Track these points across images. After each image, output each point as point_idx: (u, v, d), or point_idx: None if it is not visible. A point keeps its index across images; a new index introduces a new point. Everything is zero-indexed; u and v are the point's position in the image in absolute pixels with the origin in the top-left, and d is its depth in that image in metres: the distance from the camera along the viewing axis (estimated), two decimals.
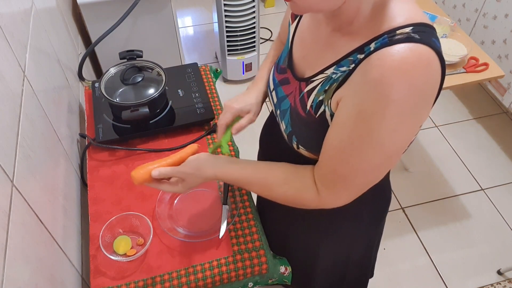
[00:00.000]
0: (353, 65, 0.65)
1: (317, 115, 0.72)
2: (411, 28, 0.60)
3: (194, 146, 0.86)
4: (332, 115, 0.70)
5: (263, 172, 0.81)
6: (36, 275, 0.72)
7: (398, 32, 0.60)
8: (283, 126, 0.82)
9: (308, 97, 0.74)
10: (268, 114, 1.02)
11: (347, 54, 0.66)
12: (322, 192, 0.74)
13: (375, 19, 0.63)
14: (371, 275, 1.23)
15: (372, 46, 0.62)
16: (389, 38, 0.60)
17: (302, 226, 1.00)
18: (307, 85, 0.75)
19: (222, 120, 0.92)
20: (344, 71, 0.66)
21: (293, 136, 0.79)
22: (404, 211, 2.05)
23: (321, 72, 0.72)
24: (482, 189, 2.15)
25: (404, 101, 0.59)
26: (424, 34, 0.59)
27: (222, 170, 0.83)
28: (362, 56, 0.63)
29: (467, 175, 2.21)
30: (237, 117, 0.94)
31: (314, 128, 0.74)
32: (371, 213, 0.95)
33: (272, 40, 2.99)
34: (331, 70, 0.69)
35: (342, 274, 1.11)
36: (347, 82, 0.65)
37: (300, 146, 0.79)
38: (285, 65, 0.83)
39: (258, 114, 0.95)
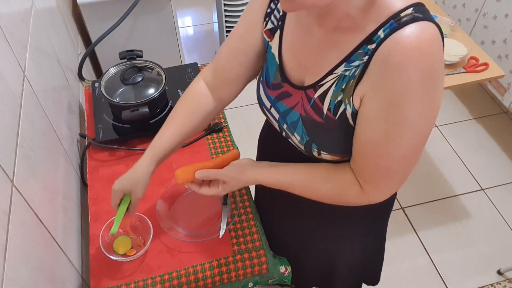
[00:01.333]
0: (366, 57, 0.64)
1: (337, 117, 0.71)
2: (412, 8, 0.61)
3: (236, 152, 0.89)
4: (353, 113, 0.69)
5: (304, 172, 0.81)
6: (36, 275, 0.72)
7: (402, 14, 0.61)
8: (296, 138, 0.81)
9: (322, 101, 0.73)
10: (263, 120, 1.00)
11: (355, 48, 0.66)
12: (366, 188, 0.74)
13: (372, 8, 0.63)
14: (377, 282, 1.23)
15: (381, 33, 0.62)
16: (396, 22, 0.61)
17: (296, 218, 1.00)
18: (316, 91, 0.73)
19: (112, 203, 0.89)
20: (358, 66, 0.66)
21: (313, 144, 0.78)
22: (404, 211, 2.05)
23: (330, 73, 0.70)
24: (482, 189, 2.15)
25: (428, 78, 0.61)
26: (424, 12, 0.61)
27: (263, 174, 0.84)
28: (373, 46, 0.63)
29: (467, 175, 2.21)
30: (126, 196, 0.89)
31: (335, 131, 0.73)
32: (374, 211, 0.95)
33: None
34: (341, 68, 0.68)
35: (361, 268, 1.11)
36: (365, 75, 0.65)
37: (322, 152, 0.77)
38: (277, 80, 0.81)
39: (145, 188, 0.88)
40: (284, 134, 0.85)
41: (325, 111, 0.73)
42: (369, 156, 0.70)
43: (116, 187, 0.87)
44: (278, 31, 0.79)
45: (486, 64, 1.67)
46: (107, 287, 0.92)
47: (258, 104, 0.89)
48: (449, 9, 2.54)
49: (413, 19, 0.60)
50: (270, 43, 0.81)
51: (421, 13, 0.61)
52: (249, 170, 0.84)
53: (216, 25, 2.44)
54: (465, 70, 1.66)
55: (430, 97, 0.63)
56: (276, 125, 0.86)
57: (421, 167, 2.23)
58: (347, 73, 0.68)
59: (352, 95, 0.68)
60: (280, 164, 0.85)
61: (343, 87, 0.69)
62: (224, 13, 2.27)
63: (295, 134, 0.80)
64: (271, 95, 0.83)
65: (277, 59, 0.80)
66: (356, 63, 0.66)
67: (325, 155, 0.78)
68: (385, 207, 1.01)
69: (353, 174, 0.75)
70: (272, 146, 0.97)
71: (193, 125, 0.89)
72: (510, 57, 2.15)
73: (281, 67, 0.80)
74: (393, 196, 0.98)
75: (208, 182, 0.87)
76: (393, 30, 0.60)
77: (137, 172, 0.86)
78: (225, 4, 2.23)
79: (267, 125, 1.01)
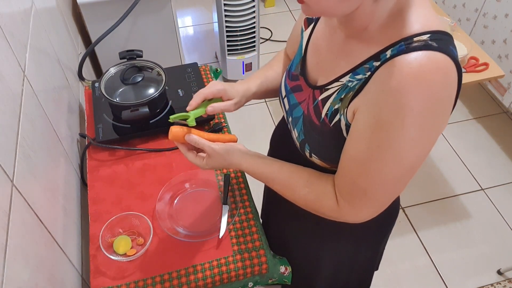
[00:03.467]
0: (369, 73, 0.63)
1: (332, 124, 0.71)
2: (428, 35, 0.59)
3: (234, 137, 0.89)
4: (347, 125, 0.68)
5: (288, 171, 0.81)
6: (36, 275, 0.72)
7: (415, 39, 0.59)
8: (295, 134, 0.81)
9: (323, 105, 0.72)
10: (268, 118, 1.01)
11: (363, 61, 0.65)
12: (342, 205, 0.72)
13: (391, 25, 0.62)
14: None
15: (389, 53, 0.61)
16: (406, 45, 0.59)
17: (305, 231, 0.99)
18: (321, 93, 0.73)
19: (201, 91, 0.87)
20: (360, 79, 0.65)
21: (306, 144, 0.78)
22: (404, 211, 2.05)
23: (336, 80, 0.70)
24: (482, 189, 2.15)
25: (422, 110, 0.58)
26: (441, 42, 0.58)
27: (249, 162, 0.83)
28: (378, 63, 0.62)
29: (467, 175, 2.21)
30: (218, 99, 0.89)
31: (328, 138, 0.73)
32: (377, 222, 0.95)
33: (272, 40, 2.99)
34: (346, 78, 0.68)
35: (344, 281, 1.11)
36: (363, 90, 0.64)
37: (313, 154, 0.78)
38: (297, 72, 0.82)
39: (239, 106, 0.91)
40: (289, 126, 0.86)
41: (323, 115, 0.73)
42: (348, 171, 0.69)
43: (221, 86, 0.88)
44: (313, 25, 0.80)
45: (486, 64, 1.67)
46: (107, 287, 0.92)
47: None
48: (449, 9, 2.54)
49: (425, 46, 0.57)
50: (303, 32, 0.82)
51: (437, 43, 0.58)
52: (237, 154, 0.84)
53: (216, 25, 2.44)
54: (465, 70, 1.66)
55: (423, 129, 0.60)
56: (285, 116, 0.87)
57: (421, 167, 2.22)
58: (350, 84, 0.67)
59: (347, 107, 0.67)
60: (269, 158, 0.85)
61: (342, 96, 0.68)
62: (224, 13, 2.27)
63: (295, 129, 0.81)
64: (288, 85, 0.84)
65: (302, 51, 0.81)
66: (360, 76, 0.65)
67: (315, 159, 0.78)
68: (381, 227, 0.99)
69: (334, 187, 0.74)
70: (283, 146, 0.96)
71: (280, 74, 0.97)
72: (510, 57, 2.15)
73: (303, 60, 0.81)
74: (397, 206, 0.97)
75: (197, 151, 0.86)
76: (400, 53, 0.58)
77: (243, 88, 0.91)
78: (225, 4, 2.23)
79: (281, 125, 1.00)
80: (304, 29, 0.83)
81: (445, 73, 0.58)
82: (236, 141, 0.89)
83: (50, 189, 0.91)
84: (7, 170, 0.69)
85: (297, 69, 0.82)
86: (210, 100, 0.89)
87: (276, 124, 1.05)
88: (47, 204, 0.87)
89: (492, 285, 1.80)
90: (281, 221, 1.06)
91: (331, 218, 0.77)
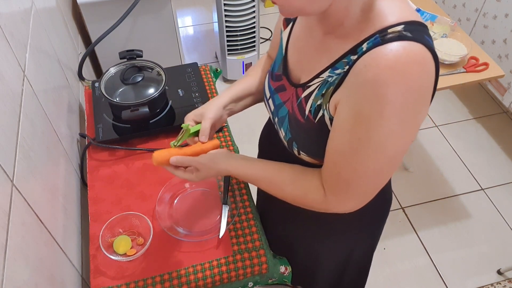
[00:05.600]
0: (347, 67, 0.64)
1: (316, 120, 0.72)
2: (402, 26, 0.59)
3: (216, 142, 0.89)
4: (331, 119, 0.69)
5: (272, 170, 0.82)
6: (36, 275, 0.72)
7: (389, 31, 0.60)
8: (282, 133, 0.82)
9: (306, 102, 0.73)
10: (266, 117, 1.02)
11: (341, 56, 0.66)
12: (328, 196, 0.74)
13: (366, 19, 0.63)
14: None
15: (365, 46, 0.62)
16: (381, 37, 0.60)
17: (304, 227, 1.00)
18: (304, 91, 0.74)
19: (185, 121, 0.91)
20: (339, 74, 0.66)
21: (293, 143, 0.79)
22: (404, 211, 2.05)
23: (317, 76, 0.71)
24: (482, 189, 2.15)
25: (401, 101, 0.58)
26: (416, 32, 0.59)
27: (234, 165, 0.85)
28: (355, 57, 0.63)
29: (467, 175, 2.21)
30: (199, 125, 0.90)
31: (314, 134, 0.74)
32: (372, 214, 0.95)
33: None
34: (326, 73, 0.69)
35: (342, 275, 1.11)
36: (343, 84, 0.65)
37: (301, 152, 0.78)
38: (280, 72, 0.83)
39: (216, 118, 0.90)
40: (275, 127, 0.86)
41: (306, 112, 0.73)
42: (333, 163, 0.70)
43: (188, 114, 0.92)
44: (291, 24, 0.81)
45: (486, 64, 1.67)
46: (107, 287, 0.92)
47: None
48: (449, 9, 2.54)
49: (399, 37, 0.58)
50: (283, 33, 0.83)
51: (411, 33, 0.58)
52: (222, 160, 0.85)
53: (216, 25, 2.44)
54: (465, 70, 1.66)
55: (402, 120, 0.60)
56: (271, 117, 0.88)
57: (421, 167, 2.23)
58: (329, 79, 0.68)
59: (329, 102, 0.68)
60: (253, 158, 0.87)
61: (323, 92, 0.69)
62: (224, 13, 2.27)
63: (282, 129, 0.82)
64: (272, 86, 0.85)
65: (283, 51, 0.82)
66: (339, 71, 0.66)
67: (304, 156, 0.79)
68: (376, 220, 1.00)
69: (320, 181, 0.75)
70: (271, 148, 0.97)
71: (260, 79, 0.98)
72: (510, 57, 2.15)
73: (285, 59, 0.81)
74: (389, 197, 0.98)
75: (184, 167, 0.87)
76: (376, 45, 0.59)
77: (208, 103, 0.93)
78: (225, 4, 2.23)
79: (268, 127, 1.01)
80: (283, 29, 0.84)
81: (421, 63, 0.58)
82: (218, 146, 0.89)
83: (50, 189, 0.91)
84: (7, 170, 0.69)
85: (280, 69, 0.83)
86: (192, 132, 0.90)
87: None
88: (47, 204, 0.87)
89: (492, 285, 1.80)
90: (277, 219, 1.06)
91: (320, 210, 0.78)
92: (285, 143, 0.82)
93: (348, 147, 0.65)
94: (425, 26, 0.62)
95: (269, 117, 0.99)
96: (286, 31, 0.83)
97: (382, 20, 0.61)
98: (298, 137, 0.78)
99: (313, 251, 1.04)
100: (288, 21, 0.82)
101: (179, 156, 0.84)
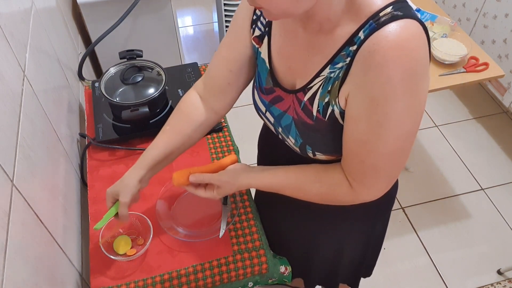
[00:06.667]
0: (348, 59, 0.65)
1: (327, 118, 0.72)
2: (391, 7, 0.61)
3: (234, 157, 0.90)
4: (341, 113, 0.70)
5: (295, 174, 0.82)
6: (36, 275, 0.72)
7: (381, 14, 0.61)
8: (291, 141, 0.82)
9: (312, 104, 0.73)
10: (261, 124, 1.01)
11: (338, 50, 0.66)
12: (356, 186, 0.75)
13: (352, 8, 0.64)
14: (369, 275, 1.23)
15: (361, 34, 0.62)
16: (375, 22, 0.61)
17: (300, 218, 1.00)
18: (305, 94, 0.74)
19: (107, 205, 0.91)
20: (341, 67, 0.66)
21: (307, 146, 0.79)
22: (404, 211, 2.05)
23: (317, 75, 0.71)
24: (482, 189, 2.15)
25: (409, 77, 0.61)
26: (404, 9, 0.61)
27: (255, 179, 0.86)
28: (354, 47, 0.64)
29: (467, 175, 2.21)
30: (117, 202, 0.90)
31: (326, 132, 0.74)
32: (373, 208, 0.95)
33: None
34: (326, 70, 0.69)
35: (337, 266, 1.12)
36: (349, 76, 0.65)
37: (316, 153, 0.79)
38: (270, 85, 0.82)
39: (132, 198, 0.88)
40: (280, 137, 0.86)
41: (314, 113, 0.73)
42: (355, 154, 0.71)
43: (108, 191, 0.90)
44: (266, 37, 0.80)
45: (486, 64, 1.67)
46: (107, 287, 0.92)
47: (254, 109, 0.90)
48: (449, 8, 2.54)
49: (392, 18, 0.60)
50: (259, 49, 0.82)
51: (400, 11, 0.61)
52: (243, 175, 0.86)
53: (216, 25, 2.44)
54: (465, 70, 1.66)
55: (413, 95, 0.63)
56: (272, 129, 0.87)
57: (421, 167, 2.23)
58: (332, 75, 0.69)
59: (338, 96, 0.68)
60: (272, 167, 0.86)
61: (329, 88, 0.70)
62: (224, 13, 2.27)
63: (290, 137, 0.82)
64: (265, 99, 0.84)
65: (267, 64, 0.81)
66: (340, 64, 0.67)
67: (320, 156, 0.79)
68: (386, 204, 1.01)
69: (343, 174, 0.76)
70: (271, 148, 0.97)
71: (184, 135, 0.91)
72: (510, 56, 2.15)
73: (272, 72, 0.81)
74: (393, 194, 0.99)
75: (204, 185, 0.89)
76: (373, 31, 0.61)
77: (124, 178, 0.89)
78: (225, 4, 2.23)
79: (266, 127, 1.01)
80: (258, 46, 0.82)
81: (419, 37, 0.61)
82: (236, 161, 0.90)
83: (50, 189, 0.91)
84: (7, 170, 0.69)
85: (269, 83, 0.82)
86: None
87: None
88: (47, 204, 0.87)
89: (492, 285, 1.80)
90: (276, 217, 1.06)
91: (348, 203, 0.79)
92: (297, 149, 0.82)
93: (368, 133, 0.66)
94: (406, 1, 0.63)
95: (263, 125, 0.99)
96: (263, 46, 0.81)
97: (369, 5, 0.62)
98: (310, 139, 0.78)
99: (309, 241, 1.04)
100: (261, 37, 0.80)
101: (198, 174, 0.85)
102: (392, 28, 0.59)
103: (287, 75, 0.79)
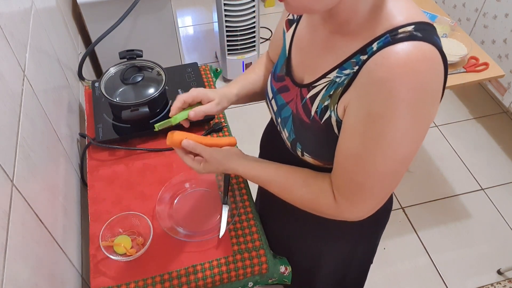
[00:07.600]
0: (356, 67, 0.63)
1: (323, 121, 0.71)
2: (413, 26, 0.59)
3: (233, 139, 0.89)
4: (337, 121, 0.68)
5: (284, 173, 0.81)
6: (36, 275, 0.72)
7: (400, 31, 0.59)
8: (285, 134, 0.81)
9: (312, 103, 0.72)
10: (269, 118, 1.02)
11: (349, 56, 0.65)
12: (340, 201, 0.72)
13: (374, 18, 0.62)
14: None
15: (375, 46, 0.61)
16: (392, 37, 0.59)
17: (306, 229, 0.99)
18: (309, 91, 0.73)
19: (180, 96, 0.87)
20: (348, 74, 0.65)
21: (297, 143, 0.78)
22: (404, 211, 2.05)
23: (324, 76, 0.70)
24: (482, 189, 2.15)
25: (413, 99, 0.58)
26: (426, 32, 0.59)
27: (245, 166, 0.84)
28: (365, 57, 0.62)
29: (467, 175, 2.21)
30: (199, 103, 0.89)
31: (319, 135, 0.73)
32: (374, 217, 0.95)
33: None
34: (334, 73, 0.68)
35: (343, 275, 1.11)
36: (352, 85, 0.64)
37: (305, 153, 0.78)
38: (282, 73, 0.82)
39: (222, 107, 0.89)
40: (278, 128, 0.86)
41: (312, 113, 0.73)
42: (345, 168, 0.69)
43: (203, 90, 0.88)
44: (295, 24, 0.80)
45: (486, 64, 1.67)
46: (107, 287, 0.92)
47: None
48: (449, 8, 2.54)
49: (410, 37, 0.58)
50: (286, 34, 0.82)
51: (421, 33, 0.58)
52: (233, 159, 0.84)
53: (216, 25, 2.44)
54: (465, 70, 1.66)
55: (415, 119, 0.60)
56: (274, 118, 0.87)
57: (421, 167, 2.23)
58: (337, 79, 0.67)
59: (337, 103, 0.67)
60: (265, 161, 0.86)
61: (331, 93, 0.68)
62: (224, 13, 2.27)
63: (285, 129, 0.81)
64: (274, 86, 0.84)
65: (286, 52, 0.81)
66: (347, 71, 0.66)
67: (307, 157, 0.78)
68: (373, 227, 0.99)
69: (330, 185, 0.74)
70: (273, 149, 0.97)
71: (263, 75, 0.99)
72: (510, 56, 2.15)
73: (288, 60, 0.81)
74: (385, 214, 0.97)
75: (194, 154, 0.86)
76: (386, 45, 0.59)
77: (224, 91, 0.92)
78: (225, 4, 2.23)
79: (269, 128, 1.01)
80: (286, 30, 0.83)
81: (432, 62, 0.58)
82: (235, 144, 0.89)
83: (50, 189, 0.91)
84: (7, 170, 0.69)
85: (282, 70, 0.82)
86: (192, 106, 0.88)
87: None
88: (47, 204, 0.87)
89: (492, 285, 1.80)
90: (278, 221, 1.06)
91: (329, 216, 0.77)
92: (288, 144, 0.81)
93: (361, 149, 0.64)
94: (433, 27, 0.62)
95: (271, 118, 0.99)
96: (289, 32, 0.82)
97: (390, 19, 0.61)
98: (302, 138, 0.77)
99: (314, 252, 1.04)
100: (291, 22, 0.81)
101: (192, 141, 0.82)
102: (405, 46, 0.57)
103: (298, 68, 0.78)
